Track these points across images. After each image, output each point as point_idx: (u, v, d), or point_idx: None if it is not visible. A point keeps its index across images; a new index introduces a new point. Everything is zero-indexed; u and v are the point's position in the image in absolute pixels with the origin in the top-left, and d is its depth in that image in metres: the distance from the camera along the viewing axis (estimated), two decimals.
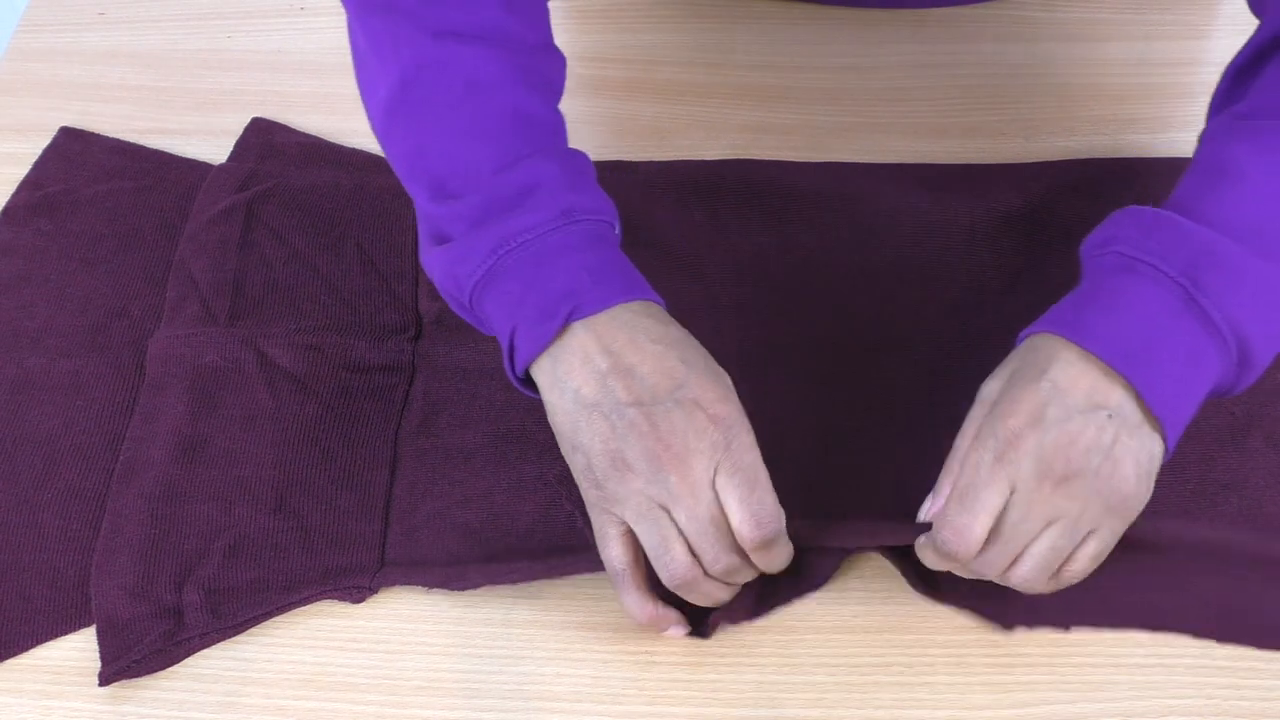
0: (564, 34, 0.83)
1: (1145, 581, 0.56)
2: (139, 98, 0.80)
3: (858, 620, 0.57)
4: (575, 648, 0.56)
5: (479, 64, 0.57)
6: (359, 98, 0.79)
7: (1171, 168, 0.73)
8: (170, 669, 0.56)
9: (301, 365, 0.64)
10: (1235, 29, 0.83)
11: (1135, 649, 0.56)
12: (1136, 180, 0.73)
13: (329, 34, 0.84)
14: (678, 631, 0.55)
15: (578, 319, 0.53)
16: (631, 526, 0.52)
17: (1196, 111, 0.78)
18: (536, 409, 0.63)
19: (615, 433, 0.51)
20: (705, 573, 0.52)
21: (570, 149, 0.59)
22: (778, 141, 0.76)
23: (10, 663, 0.56)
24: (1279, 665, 0.55)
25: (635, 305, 0.54)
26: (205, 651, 0.56)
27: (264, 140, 0.76)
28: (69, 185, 0.73)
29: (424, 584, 0.58)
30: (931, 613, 0.57)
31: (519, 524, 0.59)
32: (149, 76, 0.81)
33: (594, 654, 0.56)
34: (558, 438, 0.54)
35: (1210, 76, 0.80)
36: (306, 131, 0.77)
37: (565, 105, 0.78)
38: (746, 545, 0.52)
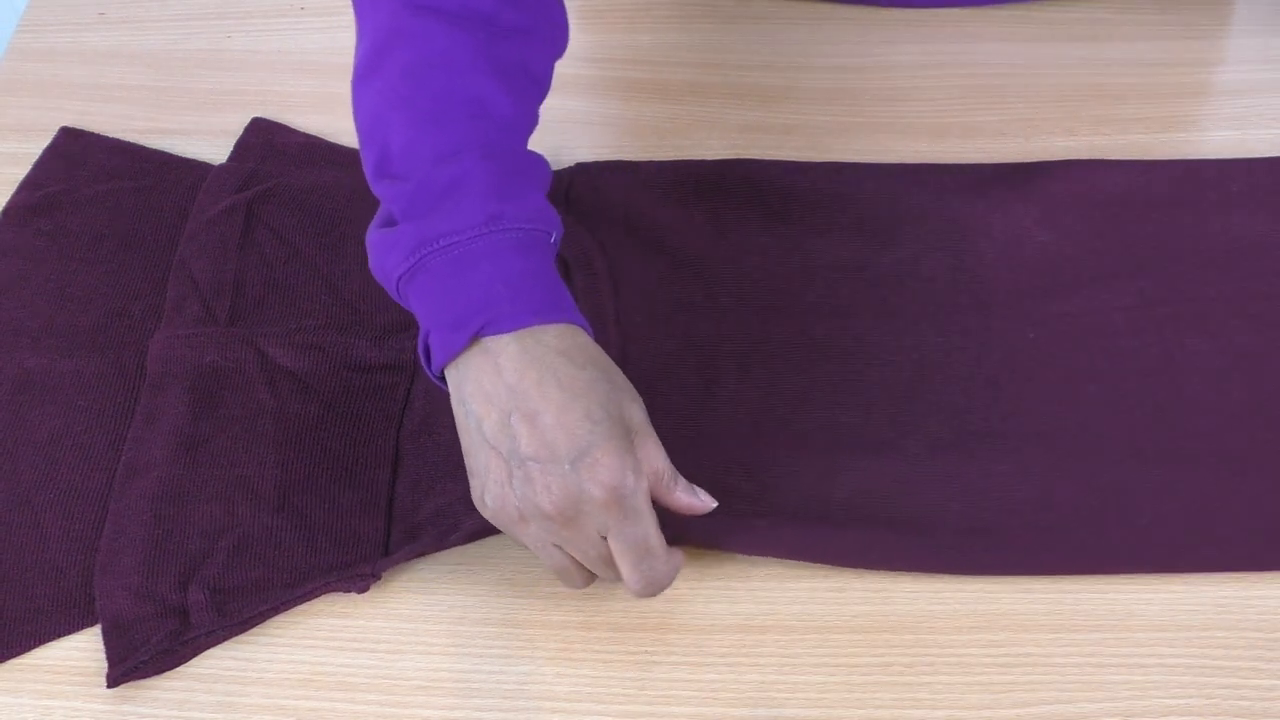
0: None
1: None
2: (139, 98, 0.80)
3: (858, 620, 0.57)
4: (575, 648, 0.56)
5: (448, 43, 0.56)
6: None
7: (1176, 167, 0.73)
8: (172, 669, 0.56)
9: (303, 364, 0.64)
10: (1235, 29, 0.83)
11: (1135, 649, 0.56)
12: (1137, 179, 0.73)
13: (329, 34, 0.84)
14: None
15: (488, 335, 0.52)
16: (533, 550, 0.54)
17: (1197, 111, 0.78)
18: None
19: (512, 481, 0.51)
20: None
21: (522, 149, 0.58)
22: (778, 141, 0.76)
23: (10, 663, 0.56)
24: (1279, 665, 0.55)
25: (552, 330, 0.52)
26: (205, 651, 0.56)
27: (264, 140, 0.76)
28: (69, 185, 0.73)
29: (425, 551, 0.57)
30: (931, 613, 0.57)
31: None
32: (149, 76, 0.81)
33: (594, 654, 0.56)
34: (460, 440, 0.54)
35: (1210, 76, 0.81)
36: (306, 131, 0.77)
37: (565, 105, 0.78)
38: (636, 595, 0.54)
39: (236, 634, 0.57)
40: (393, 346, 0.66)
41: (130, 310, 0.68)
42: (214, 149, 0.76)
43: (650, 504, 0.52)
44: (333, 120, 0.78)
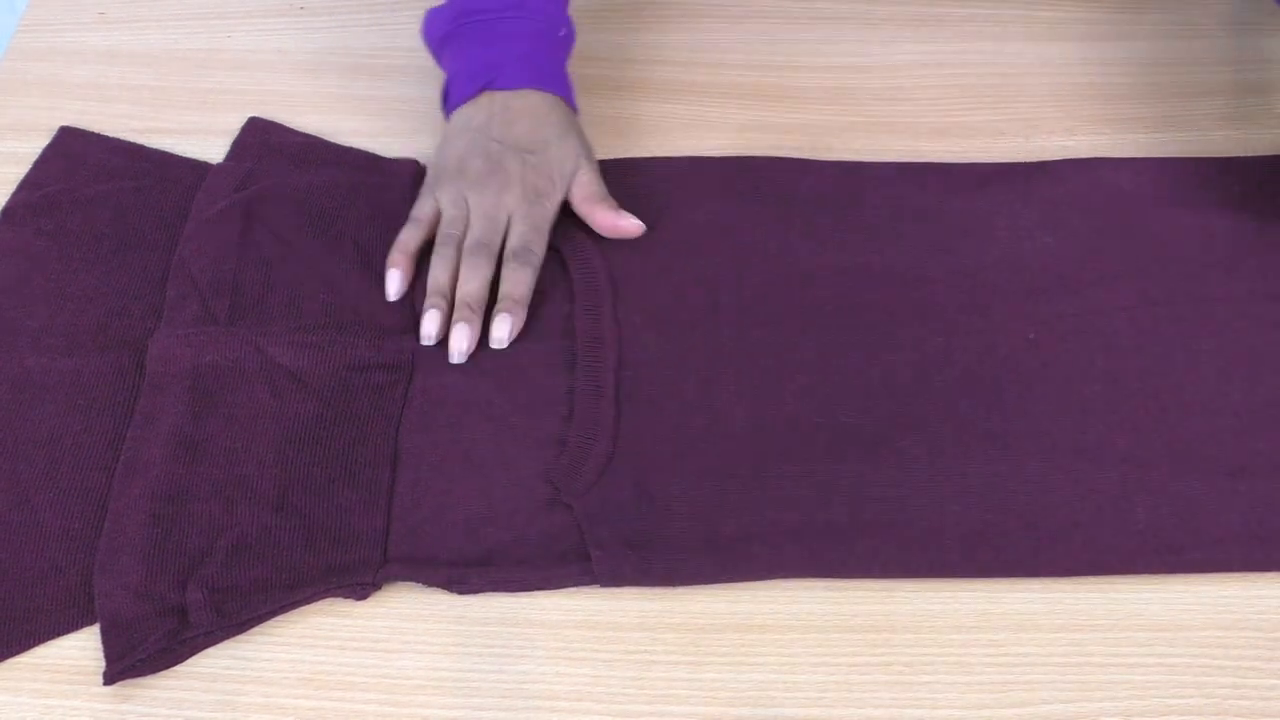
0: None
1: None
2: (139, 98, 0.80)
3: (858, 620, 0.57)
4: (575, 647, 0.56)
5: None
6: (359, 98, 0.79)
7: (1176, 167, 0.73)
8: (169, 668, 0.56)
9: (302, 364, 0.64)
10: (1235, 29, 0.83)
11: (1135, 649, 0.56)
12: (1137, 179, 0.73)
13: (329, 34, 0.84)
14: (394, 279, 0.67)
15: (493, 88, 0.69)
16: (440, 205, 0.68)
17: (1197, 111, 0.78)
18: (535, 408, 0.63)
19: (473, 148, 0.69)
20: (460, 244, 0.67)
21: None
22: (778, 141, 0.76)
23: (10, 661, 0.56)
24: (1279, 665, 0.55)
25: (540, 94, 0.70)
26: (204, 650, 0.56)
27: (261, 140, 0.76)
28: (69, 185, 0.73)
29: (426, 582, 0.58)
30: (931, 613, 0.57)
31: (519, 522, 0.59)
32: (149, 76, 0.81)
33: (594, 654, 0.56)
34: (436, 153, 0.71)
35: (1210, 76, 0.81)
36: (306, 131, 0.77)
37: None
38: (506, 254, 0.67)
39: (235, 634, 0.57)
40: (391, 346, 0.66)
41: (130, 310, 0.68)
42: (214, 149, 0.76)
43: (553, 217, 0.69)
44: (333, 120, 0.78)
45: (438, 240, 0.68)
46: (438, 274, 0.67)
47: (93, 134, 0.77)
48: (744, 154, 0.74)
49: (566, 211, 0.71)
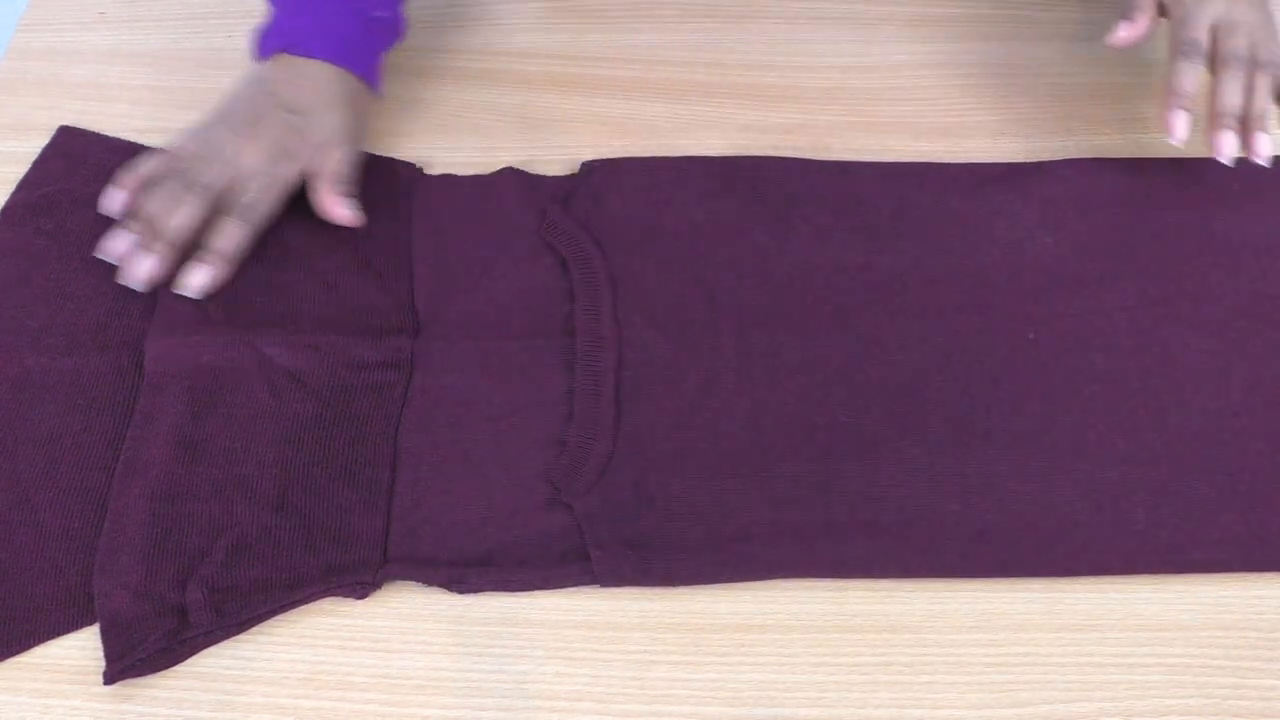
0: (564, 34, 0.83)
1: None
2: (139, 98, 0.80)
3: (857, 620, 0.57)
4: (575, 647, 0.56)
5: None
6: None
7: (1176, 167, 0.73)
8: (169, 668, 0.56)
9: (301, 364, 0.64)
10: None
11: (1135, 649, 0.56)
12: (1137, 179, 0.73)
13: None
14: (114, 198, 0.69)
15: (291, 53, 0.70)
16: (192, 143, 0.69)
17: (1196, 111, 0.78)
18: (535, 408, 0.63)
19: (245, 99, 0.70)
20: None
21: None
22: (778, 141, 0.76)
23: (10, 661, 0.56)
24: (1279, 665, 0.55)
25: (338, 69, 0.70)
26: (204, 650, 0.56)
27: None
28: (68, 184, 0.73)
29: (426, 582, 0.58)
30: (931, 613, 0.57)
31: (519, 522, 0.59)
32: (149, 76, 0.81)
33: (594, 654, 0.56)
34: (223, 100, 0.72)
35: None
36: None
37: (567, 104, 0.78)
38: (229, 207, 0.68)
39: (235, 634, 0.57)
40: (390, 346, 0.65)
41: (129, 310, 0.68)
42: None
43: (290, 182, 0.69)
44: None
45: (165, 172, 0.68)
46: (152, 204, 0.67)
47: (92, 134, 0.77)
48: (744, 154, 0.74)
49: (566, 212, 0.71)
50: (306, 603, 0.57)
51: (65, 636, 0.57)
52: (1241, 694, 0.54)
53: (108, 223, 0.71)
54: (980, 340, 0.65)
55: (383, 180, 0.73)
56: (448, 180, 0.73)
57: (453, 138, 0.77)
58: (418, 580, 0.58)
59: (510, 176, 0.73)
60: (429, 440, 0.62)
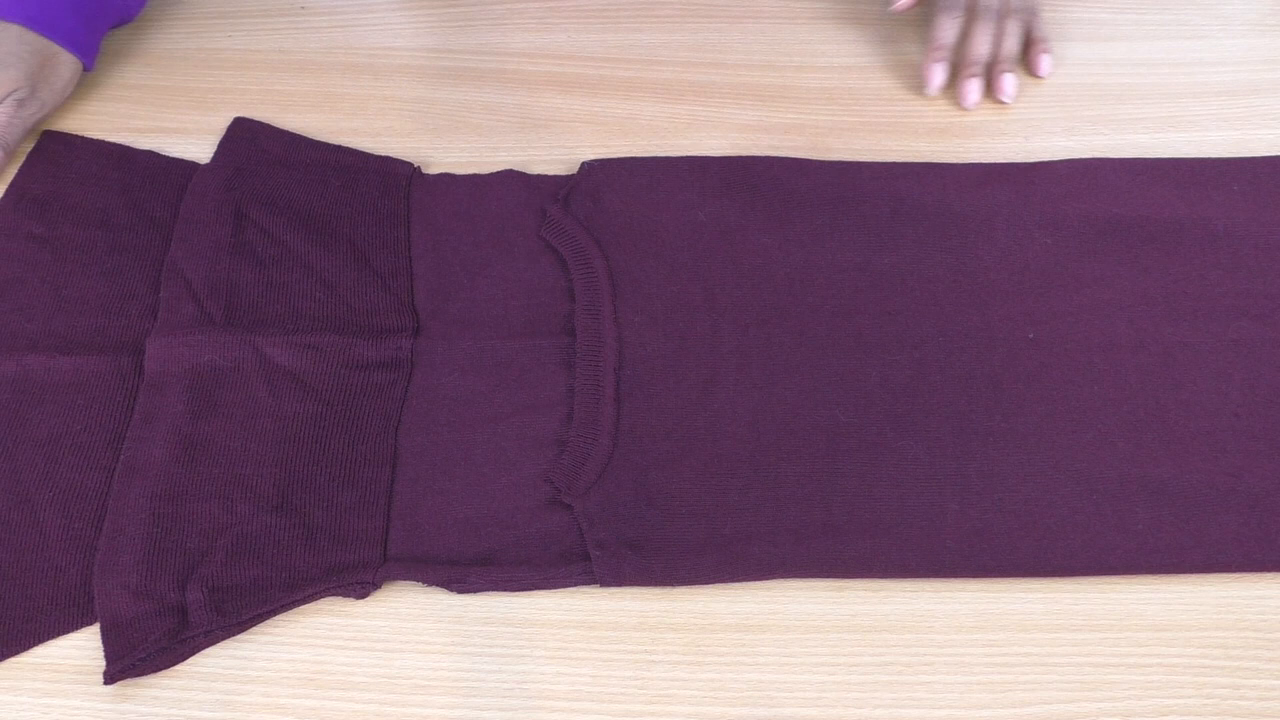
0: (564, 34, 0.83)
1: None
2: (138, 97, 0.80)
3: (857, 620, 0.57)
4: (575, 647, 0.56)
5: None
6: (359, 98, 0.79)
7: (1176, 167, 0.73)
8: (169, 668, 0.56)
9: (301, 364, 0.64)
10: (1235, 29, 0.83)
11: (1135, 649, 0.56)
12: (1137, 179, 0.73)
13: (329, 34, 0.84)
14: None
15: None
16: None
17: (1196, 111, 0.78)
18: (535, 408, 0.63)
19: None
20: None
21: None
22: (778, 141, 0.76)
23: (10, 661, 0.56)
24: (1279, 665, 0.55)
25: (26, 31, 0.74)
26: (204, 650, 0.56)
27: (248, 140, 0.76)
28: (56, 188, 0.73)
29: (426, 581, 0.58)
30: (931, 613, 0.57)
31: (519, 522, 0.59)
32: (149, 76, 0.81)
33: (594, 654, 0.56)
34: None
35: (1210, 76, 0.81)
36: (306, 132, 0.77)
37: (567, 104, 0.78)
38: None
39: (235, 634, 0.57)
40: (390, 345, 0.66)
41: (127, 310, 0.68)
42: (213, 149, 0.76)
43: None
44: (332, 120, 0.78)
45: None
46: None
47: (76, 137, 0.77)
48: (744, 154, 0.74)
49: (566, 212, 0.71)
50: (307, 603, 0.57)
51: (65, 637, 0.57)
52: (1241, 694, 0.54)
53: (98, 225, 0.71)
54: (980, 340, 0.65)
55: (382, 180, 0.73)
56: (447, 179, 0.74)
57: (452, 137, 0.77)
58: (417, 580, 0.58)
59: (509, 177, 0.73)
60: (429, 440, 0.62)
